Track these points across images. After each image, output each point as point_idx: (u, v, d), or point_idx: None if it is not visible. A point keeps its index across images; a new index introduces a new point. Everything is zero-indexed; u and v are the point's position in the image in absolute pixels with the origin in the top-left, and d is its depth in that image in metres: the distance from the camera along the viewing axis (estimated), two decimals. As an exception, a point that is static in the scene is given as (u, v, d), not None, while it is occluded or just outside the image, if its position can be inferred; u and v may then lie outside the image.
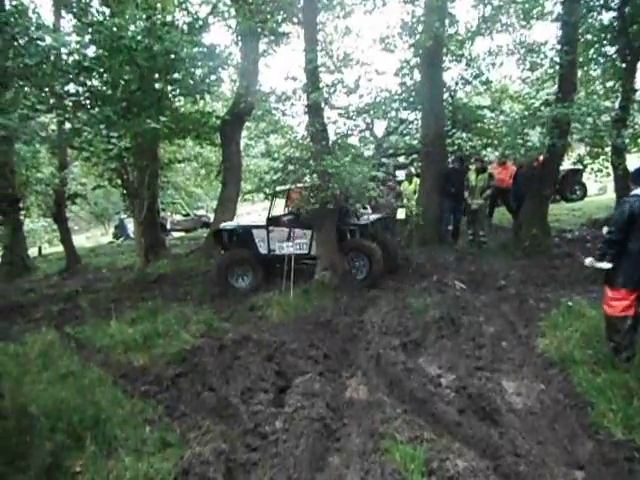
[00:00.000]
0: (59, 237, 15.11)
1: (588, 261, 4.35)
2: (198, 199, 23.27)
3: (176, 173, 18.56)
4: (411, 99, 11.67)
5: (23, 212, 13.89)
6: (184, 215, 21.57)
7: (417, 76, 11.85)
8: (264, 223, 8.86)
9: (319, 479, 3.42)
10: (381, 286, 7.57)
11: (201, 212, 22.92)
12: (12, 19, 7.99)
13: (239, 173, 12.04)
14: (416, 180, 10.66)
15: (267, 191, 9.11)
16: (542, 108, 8.76)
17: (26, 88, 8.98)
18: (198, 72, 10.03)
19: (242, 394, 4.61)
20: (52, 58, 8.57)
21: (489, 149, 12.23)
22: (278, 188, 9.13)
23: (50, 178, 12.43)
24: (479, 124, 11.90)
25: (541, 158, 9.04)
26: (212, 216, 15.61)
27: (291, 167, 8.48)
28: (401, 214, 10.75)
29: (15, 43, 8.07)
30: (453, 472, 3.12)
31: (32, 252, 16.63)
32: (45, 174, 13.41)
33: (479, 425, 3.79)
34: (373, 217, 8.93)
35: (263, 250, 8.80)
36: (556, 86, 9.12)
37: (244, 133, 13.67)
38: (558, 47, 8.83)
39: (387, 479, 3.16)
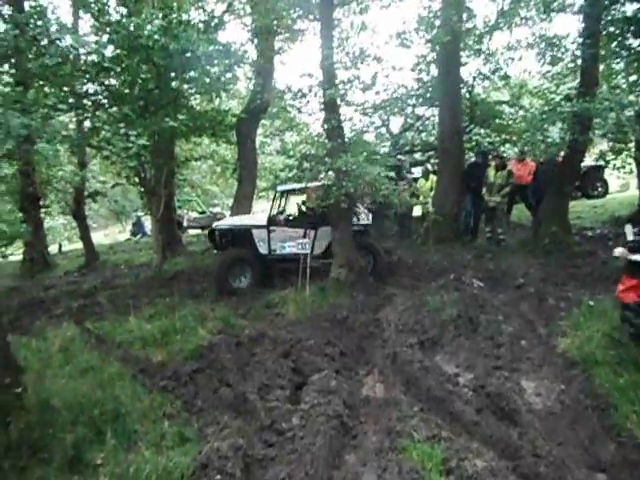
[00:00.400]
0: (78, 234, 15.32)
1: (618, 251, 4.29)
2: (214, 196, 23.43)
3: (192, 171, 18.69)
4: (428, 95, 11.58)
5: (44, 210, 14.10)
6: (200, 212, 21.69)
7: (434, 71, 11.75)
8: (263, 223, 8.77)
9: (336, 477, 3.41)
10: (397, 284, 7.53)
11: (217, 209, 23.04)
12: (32, 20, 8.10)
13: (255, 171, 12.10)
14: (432, 177, 10.58)
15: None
16: (563, 103, 8.60)
17: (46, 88, 9.09)
18: (214, 70, 10.06)
19: (259, 390, 4.63)
20: (71, 58, 8.67)
21: (508, 145, 12.08)
22: (280, 188, 9.19)
23: (71, 176, 12.59)
24: (497, 120, 11.77)
25: (562, 154, 8.90)
26: (228, 213, 15.65)
27: (306, 164, 8.47)
28: (417, 211, 10.69)
29: (35, 44, 8.17)
30: (472, 471, 3.09)
31: (52, 249, 16.85)
32: (65, 172, 13.61)
33: (498, 425, 3.75)
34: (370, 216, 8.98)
35: (263, 250, 8.70)
36: (577, 80, 8.96)
37: (259, 130, 13.72)
38: (579, 40, 8.66)
39: (404, 478, 3.14)
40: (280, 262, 8.80)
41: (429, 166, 11.10)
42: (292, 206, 10.08)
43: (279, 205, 9.27)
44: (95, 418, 3.97)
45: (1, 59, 5.40)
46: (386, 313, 6.36)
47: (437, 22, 10.03)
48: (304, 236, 8.55)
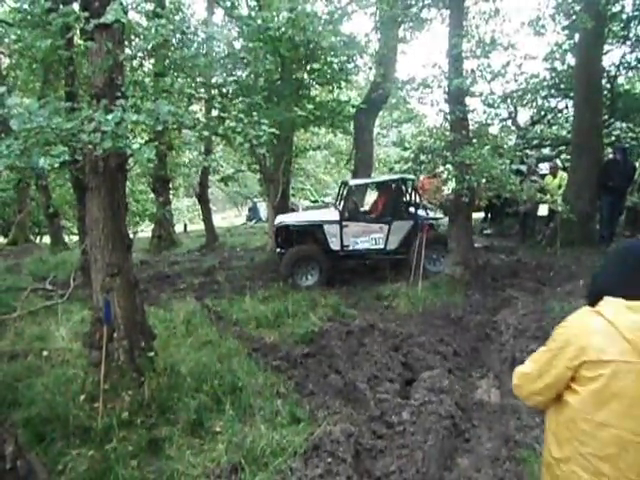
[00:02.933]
0: (201, 216, 16.37)
1: None
2: (326, 186, 23.82)
3: (307, 160, 19.13)
4: (562, 85, 10.69)
5: (172, 192, 15.25)
6: (312, 202, 22.16)
7: (569, 60, 10.86)
8: (334, 218, 8.57)
9: (447, 478, 3.31)
10: (517, 286, 7.10)
11: (328, 199, 23.39)
12: (170, 15, 8.72)
13: (370, 162, 12.03)
14: (562, 174, 9.76)
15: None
16: None
17: (179, 79, 9.77)
18: (336, 61, 10.16)
19: (368, 381, 4.63)
20: (206, 51, 9.22)
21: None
22: (353, 182, 9.17)
23: (197, 162, 13.45)
24: (644, 114, 10.58)
25: None
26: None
27: (423, 157, 8.27)
28: (543, 210, 9.96)
29: (176, 36, 8.80)
30: (604, 495, 2.82)
31: (177, 228, 18.17)
32: (192, 158, 14.60)
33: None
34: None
35: (335, 246, 8.49)
36: None
37: (376, 122, 13.62)
38: None
39: (525, 491, 2.96)
40: (352, 258, 8.76)
41: (558, 162, 10.26)
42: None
43: (352, 200, 9.18)
44: (215, 388, 4.21)
45: (149, 52, 5.83)
46: (504, 316, 6.02)
47: (577, 7, 9.22)
48: (378, 231, 8.45)
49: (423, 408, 4.03)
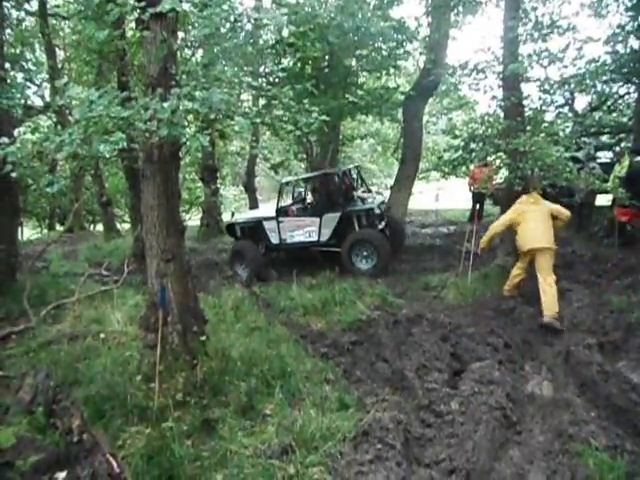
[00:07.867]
0: (247, 205, 16.62)
1: None
2: (372, 175, 23.61)
3: (354, 149, 18.99)
4: (624, 70, 10.09)
5: (219, 181, 15.52)
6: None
7: (633, 43, 10.24)
8: (272, 214, 9.17)
9: (498, 469, 3.26)
10: (571, 278, 6.83)
11: (374, 188, 23.18)
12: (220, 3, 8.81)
13: (419, 150, 11.73)
14: (626, 159, 9.21)
15: (445, 170, 8.89)
16: None
17: (226, 68, 9.89)
18: (385, 47, 10.00)
19: (417, 370, 4.60)
20: (253, 40, 9.27)
21: None
22: (285, 180, 9.82)
23: (249, 150, 13.59)
24: None
25: None
26: (387, 193, 15.64)
27: (474, 145, 8.04)
28: (600, 200, 9.50)
29: (223, 27, 8.90)
30: (665, 495, 2.72)
31: (224, 217, 18.49)
32: (241, 147, 14.79)
33: (695, 449, 3.23)
34: (378, 199, 9.28)
35: (275, 240, 9.18)
36: None
37: (426, 109, 13.32)
38: None
39: (579, 485, 2.88)
40: (292, 250, 9.37)
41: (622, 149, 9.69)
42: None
43: (285, 196, 9.92)
44: (265, 372, 4.30)
45: (200, 42, 5.92)
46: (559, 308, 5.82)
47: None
48: (311, 224, 8.79)
49: (473, 399, 3.97)
